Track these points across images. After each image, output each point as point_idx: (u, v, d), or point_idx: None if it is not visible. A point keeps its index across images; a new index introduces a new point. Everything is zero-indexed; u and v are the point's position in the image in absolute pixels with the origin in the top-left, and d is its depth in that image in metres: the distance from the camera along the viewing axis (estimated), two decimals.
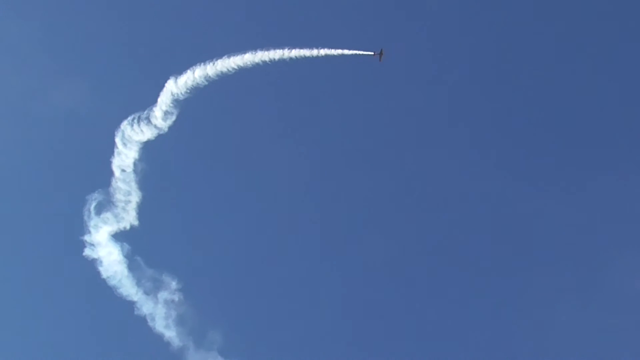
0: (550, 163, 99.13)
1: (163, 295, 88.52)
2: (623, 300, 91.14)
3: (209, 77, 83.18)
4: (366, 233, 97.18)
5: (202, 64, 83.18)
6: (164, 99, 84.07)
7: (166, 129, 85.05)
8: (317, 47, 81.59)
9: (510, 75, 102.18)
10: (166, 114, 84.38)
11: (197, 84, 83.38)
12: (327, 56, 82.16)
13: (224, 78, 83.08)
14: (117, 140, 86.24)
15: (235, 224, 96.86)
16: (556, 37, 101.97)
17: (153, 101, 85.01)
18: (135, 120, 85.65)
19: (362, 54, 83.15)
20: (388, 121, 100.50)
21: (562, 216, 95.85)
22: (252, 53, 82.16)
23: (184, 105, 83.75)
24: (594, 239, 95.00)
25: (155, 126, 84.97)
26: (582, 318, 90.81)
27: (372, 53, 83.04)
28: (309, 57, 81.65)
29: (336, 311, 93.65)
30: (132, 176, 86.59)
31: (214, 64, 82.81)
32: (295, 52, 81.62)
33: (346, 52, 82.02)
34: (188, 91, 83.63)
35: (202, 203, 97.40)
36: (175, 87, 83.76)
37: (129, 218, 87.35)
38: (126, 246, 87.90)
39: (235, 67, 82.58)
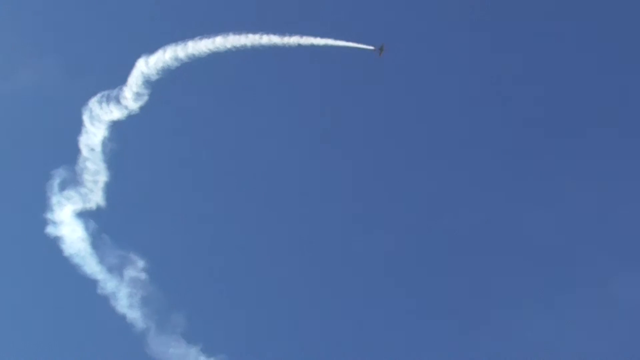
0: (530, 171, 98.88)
1: (128, 275, 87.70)
2: (592, 307, 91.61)
3: (183, 58, 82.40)
4: (331, 223, 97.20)
5: (175, 44, 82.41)
6: (135, 79, 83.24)
7: (137, 110, 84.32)
8: (309, 36, 79.35)
9: (509, 73, 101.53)
10: (137, 94, 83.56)
11: (170, 65, 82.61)
12: (318, 46, 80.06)
13: (201, 60, 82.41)
14: (85, 118, 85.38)
15: (206, 208, 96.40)
16: (555, 35, 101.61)
17: (123, 80, 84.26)
18: (104, 99, 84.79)
19: (361, 48, 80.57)
20: (375, 119, 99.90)
21: (534, 224, 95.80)
22: (224, 36, 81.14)
23: (156, 86, 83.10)
24: (565, 246, 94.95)
25: (125, 106, 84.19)
26: (549, 326, 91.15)
27: (372, 48, 79.78)
28: (296, 46, 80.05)
29: (303, 296, 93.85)
30: (100, 155, 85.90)
31: (186, 45, 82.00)
32: (282, 39, 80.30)
33: (342, 43, 79.16)
34: (160, 72, 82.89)
35: (173, 186, 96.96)
36: (146, 67, 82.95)
37: (96, 198, 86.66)
38: (91, 225, 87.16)
39: (214, 49, 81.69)
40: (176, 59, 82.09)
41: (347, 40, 79.87)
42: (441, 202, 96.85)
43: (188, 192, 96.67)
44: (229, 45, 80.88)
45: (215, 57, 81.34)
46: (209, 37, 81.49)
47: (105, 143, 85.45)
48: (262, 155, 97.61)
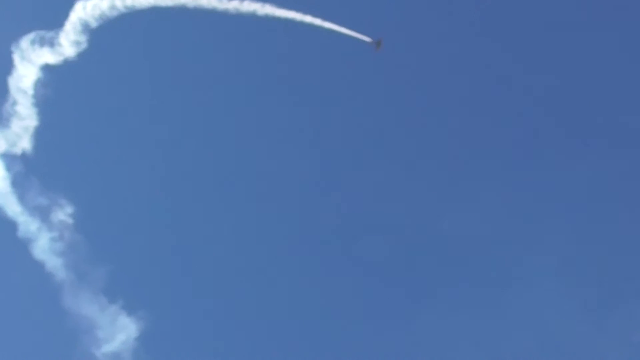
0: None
1: (53, 219, 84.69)
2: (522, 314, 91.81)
3: (122, 8, 79.14)
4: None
5: None
6: (73, 24, 79.73)
7: (74, 55, 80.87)
8: (300, 11, 74.14)
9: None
10: (74, 39, 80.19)
11: (108, 14, 79.22)
12: (306, 25, 75.42)
13: (143, 13, 79.29)
14: (16, 57, 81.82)
15: (140, 162, 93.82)
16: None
17: (59, 21, 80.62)
18: (38, 39, 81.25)
19: (357, 38, 74.97)
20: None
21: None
22: None
23: (94, 34, 79.84)
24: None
25: (60, 52, 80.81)
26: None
27: (370, 40, 74.24)
28: (282, 19, 75.32)
29: (230, 255, 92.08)
30: (30, 99, 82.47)
31: None
32: (225, 4, 77.08)
33: (336, 28, 72.94)
34: (99, 19, 79.49)
35: (107, 137, 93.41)
36: (84, 12, 79.50)
37: (23, 143, 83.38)
38: (17, 166, 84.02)
39: (156, 4, 78.51)
40: (114, 7, 78.66)
41: (343, 26, 75.45)
42: (370, 199, 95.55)
43: (122, 144, 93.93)
44: (170, 3, 77.98)
45: (157, 12, 78.76)
46: None
47: (37, 86, 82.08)
48: (197, 111, 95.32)
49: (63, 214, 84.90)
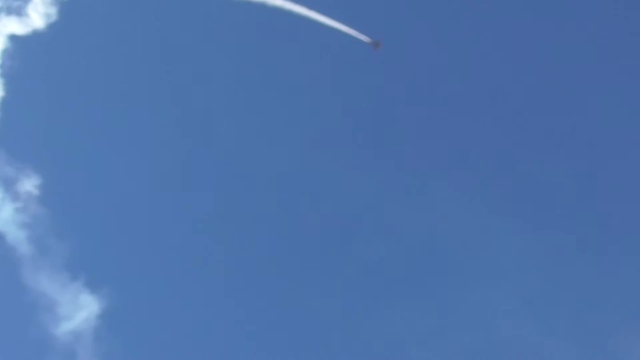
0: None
1: (16, 190, 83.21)
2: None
3: None
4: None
5: None
6: None
7: (43, 27, 79.02)
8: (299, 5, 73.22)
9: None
10: (44, 9, 78.40)
11: None
12: (304, 19, 73.38)
13: None
14: None
15: (109, 137, 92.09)
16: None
17: None
18: (4, 8, 79.47)
19: (356, 37, 74.26)
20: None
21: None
22: None
23: (65, 5, 78.22)
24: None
25: (28, 22, 78.98)
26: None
27: (368, 40, 73.97)
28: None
29: (197, 234, 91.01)
30: None
31: None
32: None
33: (335, 25, 72.26)
34: None
35: (75, 111, 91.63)
36: None
37: None
38: None
39: None
40: None
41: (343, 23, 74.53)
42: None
43: (91, 117, 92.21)
44: None
45: None
46: None
47: (3, 56, 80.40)
48: (169, 87, 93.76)
49: (29, 184, 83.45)
